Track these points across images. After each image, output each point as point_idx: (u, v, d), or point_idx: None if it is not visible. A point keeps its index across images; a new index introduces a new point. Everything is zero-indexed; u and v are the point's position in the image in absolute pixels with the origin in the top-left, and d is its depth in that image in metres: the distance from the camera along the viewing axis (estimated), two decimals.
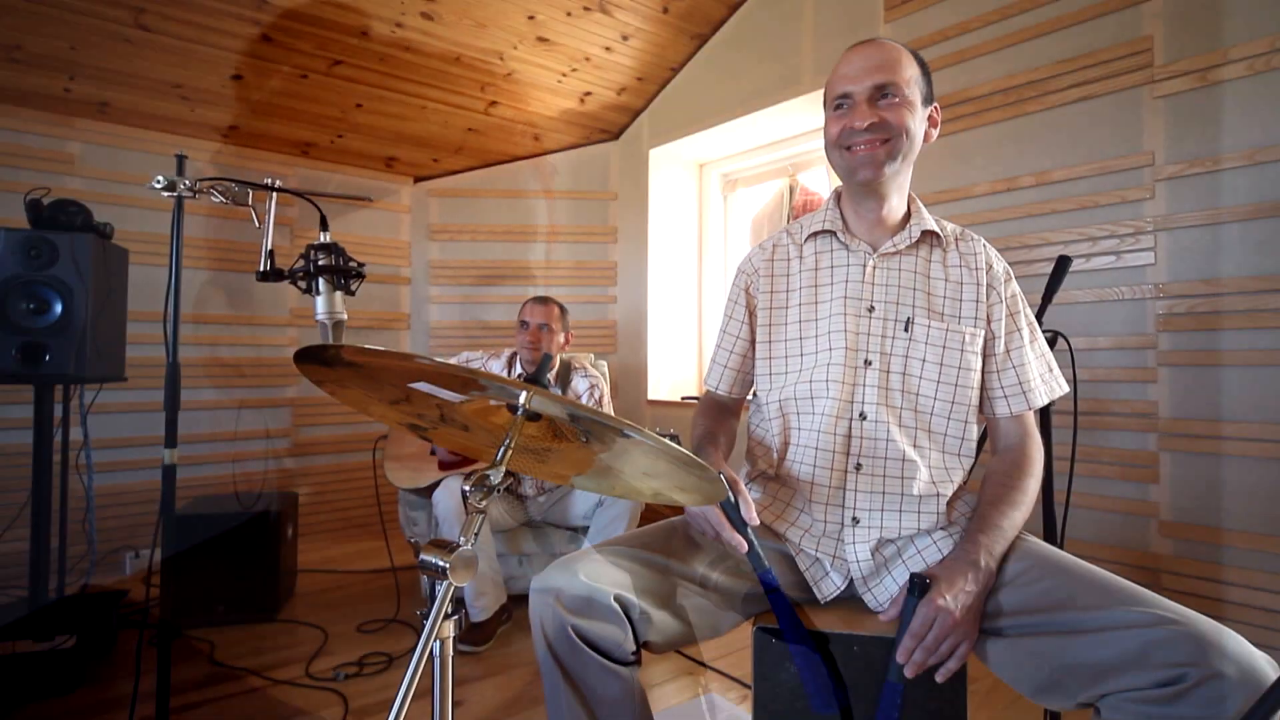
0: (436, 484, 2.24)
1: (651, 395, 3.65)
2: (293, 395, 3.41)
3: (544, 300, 2.42)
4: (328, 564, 3.01)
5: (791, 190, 3.45)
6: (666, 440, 0.63)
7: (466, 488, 0.66)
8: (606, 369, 2.86)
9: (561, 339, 2.42)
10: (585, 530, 2.37)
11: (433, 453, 2.41)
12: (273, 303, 3.37)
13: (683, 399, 3.32)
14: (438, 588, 0.63)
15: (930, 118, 1.12)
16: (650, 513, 2.96)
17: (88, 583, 2.38)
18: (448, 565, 0.61)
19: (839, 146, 1.10)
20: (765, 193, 3.61)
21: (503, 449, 0.68)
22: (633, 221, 3.74)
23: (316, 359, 0.65)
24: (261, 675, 1.94)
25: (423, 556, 0.62)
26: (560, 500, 2.41)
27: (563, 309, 2.44)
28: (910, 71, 1.07)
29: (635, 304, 3.72)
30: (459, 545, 0.62)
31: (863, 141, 1.07)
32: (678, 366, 3.76)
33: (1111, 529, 2.05)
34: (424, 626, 0.61)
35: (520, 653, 2.11)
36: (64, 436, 2.09)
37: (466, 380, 0.68)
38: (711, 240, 3.83)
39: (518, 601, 2.46)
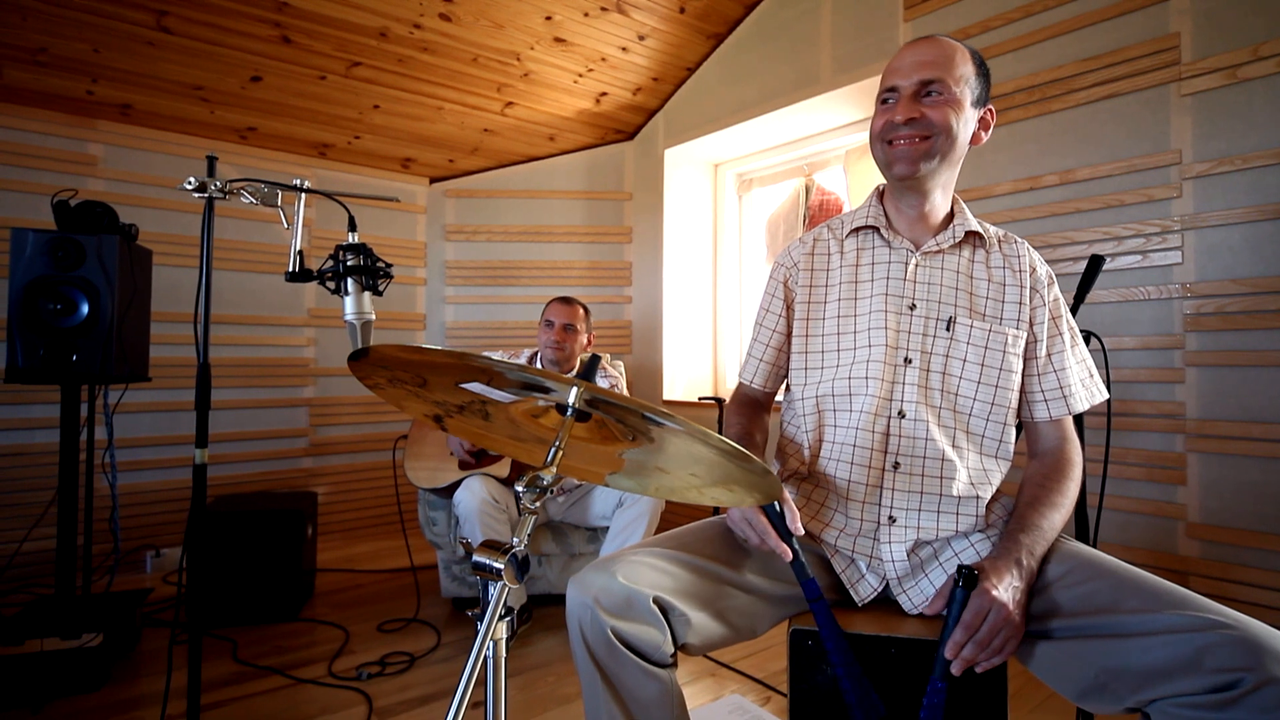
0: (457, 484, 2.25)
1: (667, 395, 3.65)
2: (310, 395, 3.43)
3: (568, 300, 2.42)
4: (346, 563, 3.02)
5: (807, 190, 3.43)
6: (730, 441, 0.62)
7: (520, 488, 0.65)
8: (624, 368, 2.86)
9: (585, 339, 2.42)
10: (605, 530, 2.37)
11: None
12: (290, 304, 3.39)
13: (699, 399, 3.31)
14: (490, 589, 0.62)
15: (982, 119, 1.11)
16: (670, 513, 2.96)
17: (112, 581, 2.40)
18: (502, 567, 0.61)
19: (881, 140, 1.10)
20: (781, 193, 3.60)
21: (553, 449, 0.68)
22: (648, 221, 3.74)
23: (373, 359, 0.65)
24: (285, 674, 1.95)
25: (476, 558, 0.62)
26: (580, 500, 2.41)
27: (586, 309, 2.45)
28: (962, 70, 1.06)
29: (650, 304, 3.72)
30: (512, 546, 0.62)
31: (903, 136, 1.06)
32: (693, 367, 3.76)
33: (1138, 531, 2.03)
34: (478, 629, 0.61)
35: (541, 653, 2.11)
36: (89, 436, 2.10)
37: (493, 375, 0.67)
38: (726, 240, 3.83)
39: (537, 601, 2.47)
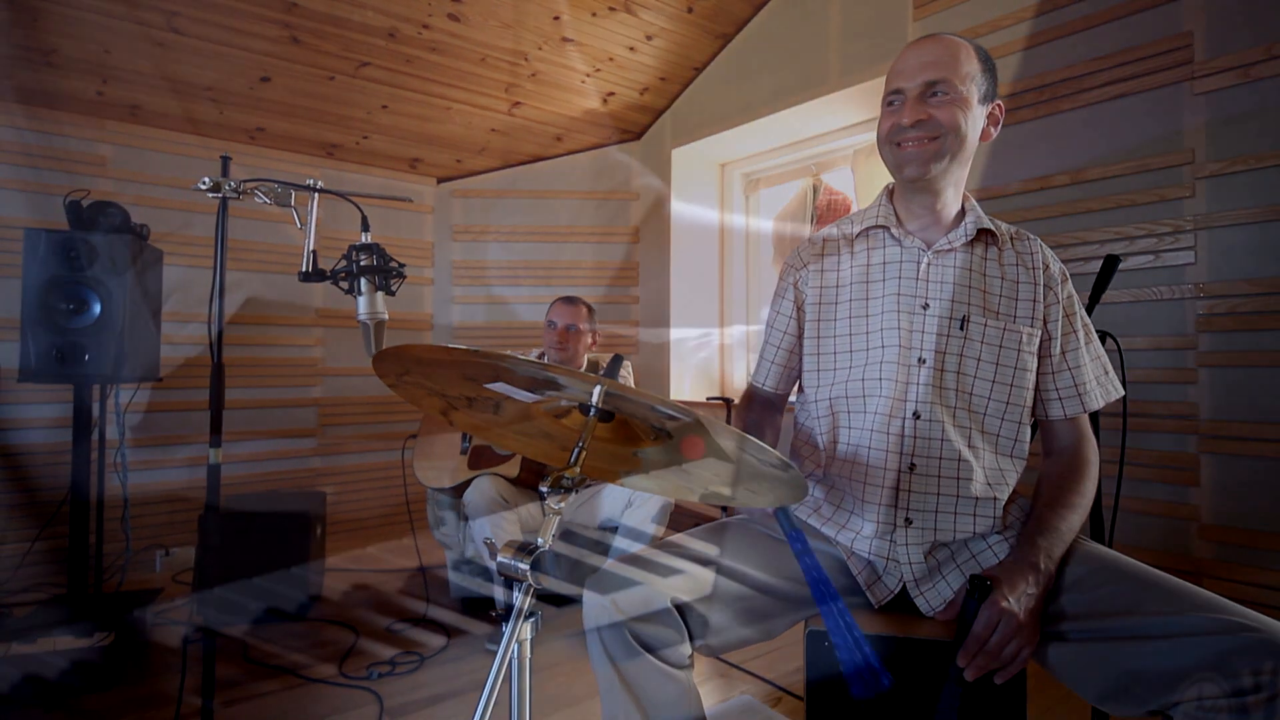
0: (466, 484, 2.25)
1: (673, 395, 3.64)
2: (318, 395, 3.44)
3: (572, 300, 2.42)
4: (355, 563, 3.03)
5: (815, 190, 3.43)
6: (759, 443, 0.62)
7: (544, 489, 0.65)
8: (631, 368, 2.85)
9: (589, 340, 2.42)
10: (614, 531, 2.36)
11: (464, 451, 2.41)
12: (298, 304, 3.39)
13: (707, 399, 3.31)
14: (515, 590, 0.62)
15: (991, 115, 1.10)
16: (679, 513, 2.95)
17: (123, 580, 2.41)
18: (528, 568, 0.61)
19: (889, 142, 1.09)
20: (788, 192, 3.60)
21: (577, 450, 0.68)
22: (655, 222, 3.74)
23: (396, 358, 0.65)
24: (296, 674, 1.95)
25: (501, 559, 0.62)
26: (588, 501, 2.41)
27: (590, 309, 2.45)
28: (968, 68, 1.05)
29: (657, 304, 3.72)
30: (538, 547, 0.62)
31: (911, 139, 1.06)
32: (700, 367, 3.76)
33: (1150, 532, 2.02)
34: (503, 630, 0.61)
35: (550, 653, 2.10)
36: (100, 436, 2.11)
37: (510, 375, 0.67)
38: (734, 240, 3.82)
39: (544, 601, 2.46)
